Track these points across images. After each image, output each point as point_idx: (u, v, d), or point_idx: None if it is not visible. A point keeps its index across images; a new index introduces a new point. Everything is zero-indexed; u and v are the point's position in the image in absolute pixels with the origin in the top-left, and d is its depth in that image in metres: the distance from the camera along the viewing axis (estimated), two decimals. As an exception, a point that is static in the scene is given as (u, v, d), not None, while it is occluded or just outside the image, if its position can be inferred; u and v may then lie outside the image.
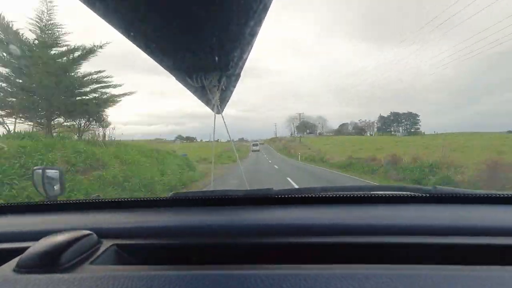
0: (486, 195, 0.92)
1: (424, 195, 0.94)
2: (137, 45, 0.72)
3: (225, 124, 1.41)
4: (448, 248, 0.67)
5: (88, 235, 0.65)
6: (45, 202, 1.01)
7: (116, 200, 0.97)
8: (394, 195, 0.95)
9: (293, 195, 0.94)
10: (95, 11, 0.57)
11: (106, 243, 0.69)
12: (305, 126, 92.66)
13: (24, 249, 0.58)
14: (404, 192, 0.97)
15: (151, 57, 0.79)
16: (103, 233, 0.71)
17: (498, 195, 0.91)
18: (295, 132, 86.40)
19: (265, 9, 0.60)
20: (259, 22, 0.65)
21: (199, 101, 1.29)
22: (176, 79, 1.01)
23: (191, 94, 1.20)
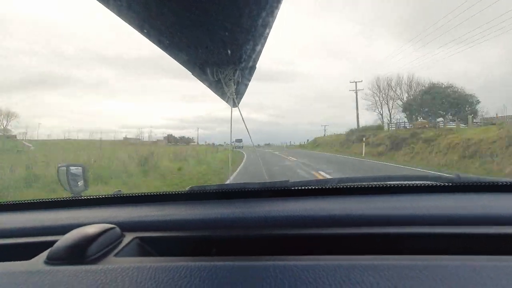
0: (510, 183, 0.88)
1: (446, 184, 0.91)
2: (152, 41, 0.73)
3: (242, 118, 1.41)
4: (471, 238, 0.65)
5: (112, 228, 0.67)
6: (71, 198, 1.06)
7: (136, 194, 1.00)
8: (414, 184, 0.93)
9: (309, 187, 0.94)
10: (109, 8, 0.58)
11: (129, 236, 0.71)
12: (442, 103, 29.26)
13: (53, 242, 0.61)
14: (426, 182, 0.94)
15: (165, 52, 0.80)
16: (125, 227, 0.74)
17: None
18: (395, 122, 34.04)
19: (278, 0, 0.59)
20: (271, 13, 0.64)
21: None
22: (192, 73, 1.02)
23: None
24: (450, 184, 0.90)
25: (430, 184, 0.91)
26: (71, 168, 1.27)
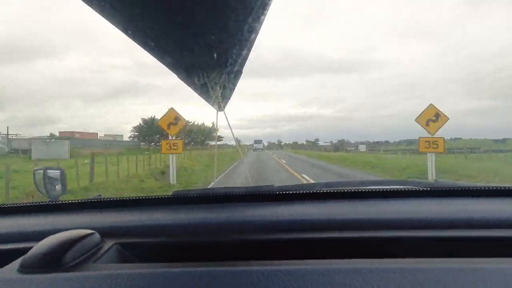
0: (486, 188, 0.92)
1: (425, 189, 0.94)
2: (137, 43, 0.72)
3: (228, 122, 1.41)
4: (449, 241, 0.68)
5: (90, 234, 0.65)
6: (47, 203, 1.01)
7: (117, 199, 0.97)
8: (396, 189, 0.95)
9: (294, 191, 0.94)
10: (92, 7, 0.57)
11: (109, 242, 0.69)
12: None
13: (27, 250, 0.58)
14: (406, 187, 0.97)
15: (151, 54, 0.79)
16: (105, 232, 0.72)
17: (497, 188, 0.91)
18: None
19: (264, 5, 0.60)
20: (257, 19, 0.64)
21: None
22: (178, 76, 1.01)
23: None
24: (430, 189, 0.93)
25: (412, 189, 0.94)
26: (49, 171, 1.22)
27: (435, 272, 0.49)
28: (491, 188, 0.92)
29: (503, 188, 0.91)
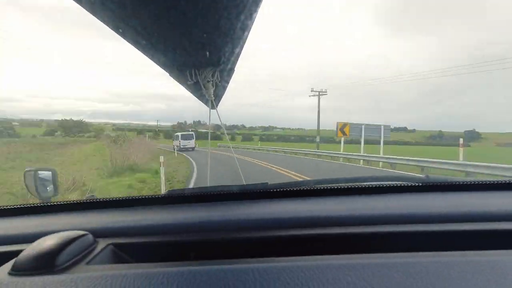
0: (476, 182, 0.94)
1: (417, 184, 0.95)
2: (127, 41, 0.71)
3: (220, 120, 1.40)
4: (441, 235, 0.69)
5: (83, 235, 0.64)
6: (39, 204, 1.00)
7: (111, 199, 0.97)
8: (387, 185, 0.97)
9: (288, 189, 0.95)
10: (81, 5, 0.56)
11: (102, 243, 0.68)
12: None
13: (19, 252, 0.57)
14: (398, 182, 0.98)
15: (142, 52, 0.78)
16: (98, 233, 0.71)
17: (488, 182, 0.93)
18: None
19: (256, 2, 0.60)
20: (250, 17, 0.64)
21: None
22: (170, 75, 1.01)
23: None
24: (421, 184, 0.95)
25: (403, 185, 0.95)
26: (40, 172, 1.21)
27: (427, 265, 0.50)
28: (481, 182, 0.94)
29: (493, 182, 0.93)
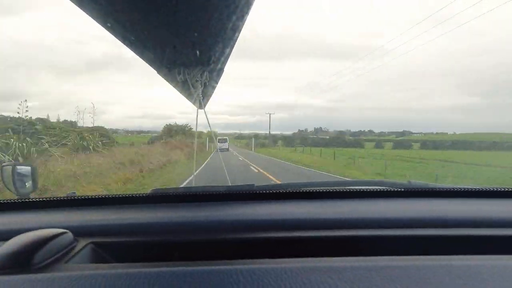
0: (456, 189, 0.97)
1: (400, 189, 0.98)
2: (116, 37, 0.70)
3: (208, 119, 1.40)
4: (422, 239, 0.71)
5: (62, 233, 0.62)
6: (16, 200, 0.96)
7: (92, 197, 0.94)
8: (371, 189, 0.99)
9: (274, 191, 0.95)
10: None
11: (83, 242, 0.66)
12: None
13: None
14: (381, 187, 1.01)
15: (130, 49, 0.77)
16: (79, 231, 0.69)
17: (467, 189, 0.96)
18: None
19: (248, 3, 0.60)
20: (241, 17, 0.64)
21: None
22: (158, 73, 0.99)
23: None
24: (403, 189, 0.97)
25: (387, 190, 0.98)
26: (18, 167, 1.16)
27: (408, 269, 0.51)
28: (462, 189, 0.97)
29: (473, 189, 0.96)
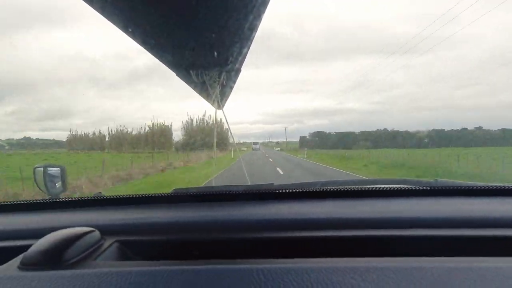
0: (486, 187, 0.92)
1: (425, 188, 0.94)
2: (136, 41, 0.72)
3: (226, 120, 1.41)
4: (448, 240, 0.68)
5: (90, 231, 0.65)
6: (47, 200, 1.02)
7: (118, 197, 0.98)
8: (395, 188, 0.95)
9: (294, 190, 0.94)
10: (92, 7, 0.57)
11: (109, 240, 0.69)
12: None
13: (27, 247, 0.58)
14: (405, 186, 0.97)
15: (150, 53, 0.79)
16: (105, 230, 0.72)
17: (497, 187, 0.91)
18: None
19: (265, 3, 0.60)
20: (258, 17, 0.64)
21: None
22: (177, 75, 1.01)
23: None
24: (429, 188, 0.94)
25: (411, 188, 0.94)
26: (49, 169, 1.23)
27: (434, 271, 0.49)
28: (490, 187, 0.92)
29: (502, 187, 0.91)
